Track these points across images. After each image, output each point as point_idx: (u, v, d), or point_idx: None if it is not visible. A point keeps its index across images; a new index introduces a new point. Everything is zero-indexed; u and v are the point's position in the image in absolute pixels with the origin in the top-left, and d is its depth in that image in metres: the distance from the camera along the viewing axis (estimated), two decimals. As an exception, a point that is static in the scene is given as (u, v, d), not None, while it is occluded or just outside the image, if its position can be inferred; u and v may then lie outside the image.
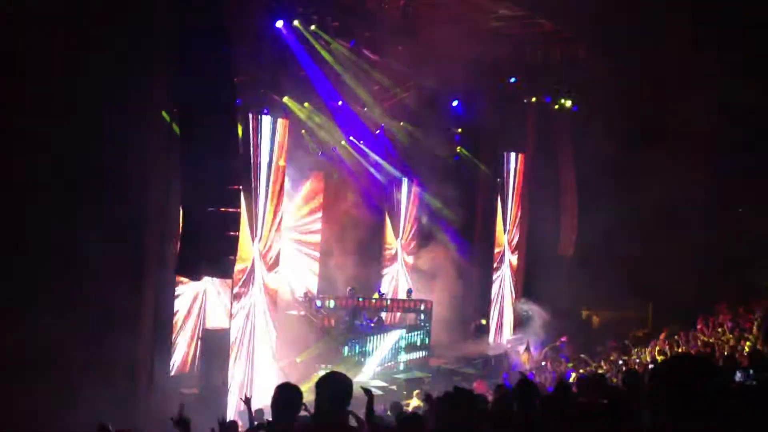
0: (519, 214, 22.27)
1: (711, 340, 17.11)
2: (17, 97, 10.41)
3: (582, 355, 17.96)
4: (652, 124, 20.85)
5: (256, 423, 7.03)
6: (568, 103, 21.81)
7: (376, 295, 18.30)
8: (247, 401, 7.37)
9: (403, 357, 17.70)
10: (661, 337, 18.12)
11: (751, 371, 7.49)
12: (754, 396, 6.35)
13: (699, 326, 18.01)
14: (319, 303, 16.85)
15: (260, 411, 8.93)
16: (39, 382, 10.30)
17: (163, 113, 12.03)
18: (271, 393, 4.61)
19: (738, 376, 7.54)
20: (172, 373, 13.09)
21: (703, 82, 19.11)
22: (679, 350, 16.37)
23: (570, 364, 17.29)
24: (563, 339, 19.57)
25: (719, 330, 17.98)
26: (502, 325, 21.88)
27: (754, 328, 15.82)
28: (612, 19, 18.42)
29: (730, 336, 17.01)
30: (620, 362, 16.55)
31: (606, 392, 7.38)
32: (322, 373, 5.84)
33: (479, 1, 17.39)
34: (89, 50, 10.96)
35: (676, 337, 17.48)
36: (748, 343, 14.68)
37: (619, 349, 17.93)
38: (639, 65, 19.33)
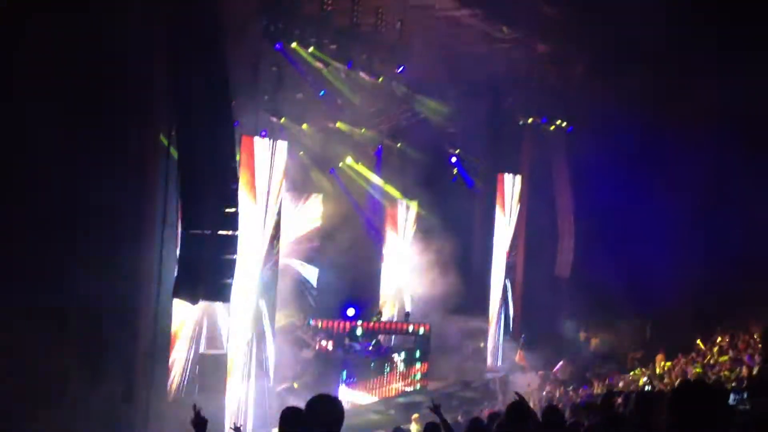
0: (516, 235, 22.23)
1: (709, 360, 17.10)
2: (15, 117, 10.40)
3: (586, 374, 17.96)
4: (648, 145, 20.92)
5: None
6: (564, 124, 21.85)
7: (375, 318, 18.22)
8: (237, 430, 7.22)
9: (401, 380, 17.58)
10: (657, 359, 18.11)
11: (745, 394, 7.43)
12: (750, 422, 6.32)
13: (696, 348, 18.01)
14: (315, 325, 16.76)
15: None
16: (35, 409, 10.19)
17: (161, 137, 12.01)
18: (270, 418, 4.51)
19: (732, 398, 7.49)
20: (170, 398, 12.96)
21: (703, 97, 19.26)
22: (675, 372, 16.35)
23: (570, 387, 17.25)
24: (560, 364, 19.50)
25: (715, 351, 17.97)
26: (500, 347, 21.75)
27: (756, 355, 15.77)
28: (607, 41, 18.58)
29: (726, 357, 17.00)
30: (620, 384, 16.52)
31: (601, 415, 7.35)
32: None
33: (475, 24, 17.49)
34: (89, 70, 10.96)
35: (673, 360, 17.47)
36: (744, 368, 14.64)
37: (617, 372, 17.90)
38: (637, 85, 19.44)
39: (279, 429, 4.75)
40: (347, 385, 16.14)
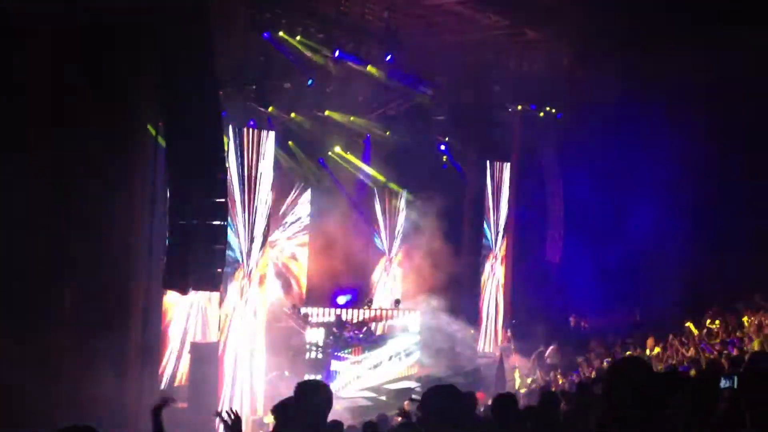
0: (506, 221, 22.31)
1: (701, 344, 17.20)
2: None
3: (578, 359, 18.05)
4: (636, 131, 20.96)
5: None
6: (553, 111, 21.88)
7: (365, 305, 18.29)
8: (218, 415, 7.24)
9: (392, 367, 17.67)
10: (648, 343, 18.20)
11: (735, 377, 7.43)
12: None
13: (686, 332, 18.11)
14: (306, 314, 16.81)
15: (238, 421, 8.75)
16: (31, 389, 10.28)
17: (149, 127, 12.04)
18: (261, 405, 4.61)
19: (723, 382, 7.50)
20: (163, 387, 13.04)
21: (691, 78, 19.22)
22: (667, 355, 16.45)
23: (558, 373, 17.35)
24: (551, 348, 19.58)
25: (704, 334, 18.07)
26: (491, 332, 21.87)
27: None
28: (595, 27, 18.57)
29: (718, 339, 17.10)
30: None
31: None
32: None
33: (463, 11, 17.46)
34: (75, 63, 10.98)
35: (663, 344, 17.57)
36: (735, 351, 14.72)
37: (603, 355, 17.98)
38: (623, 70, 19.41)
39: (274, 419, 4.84)
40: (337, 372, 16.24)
